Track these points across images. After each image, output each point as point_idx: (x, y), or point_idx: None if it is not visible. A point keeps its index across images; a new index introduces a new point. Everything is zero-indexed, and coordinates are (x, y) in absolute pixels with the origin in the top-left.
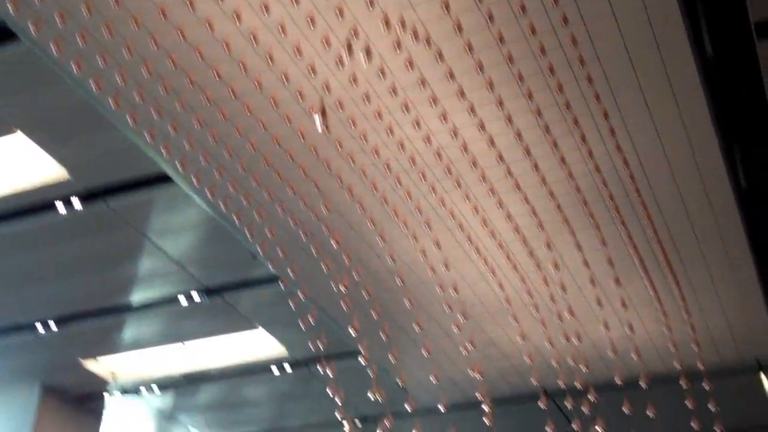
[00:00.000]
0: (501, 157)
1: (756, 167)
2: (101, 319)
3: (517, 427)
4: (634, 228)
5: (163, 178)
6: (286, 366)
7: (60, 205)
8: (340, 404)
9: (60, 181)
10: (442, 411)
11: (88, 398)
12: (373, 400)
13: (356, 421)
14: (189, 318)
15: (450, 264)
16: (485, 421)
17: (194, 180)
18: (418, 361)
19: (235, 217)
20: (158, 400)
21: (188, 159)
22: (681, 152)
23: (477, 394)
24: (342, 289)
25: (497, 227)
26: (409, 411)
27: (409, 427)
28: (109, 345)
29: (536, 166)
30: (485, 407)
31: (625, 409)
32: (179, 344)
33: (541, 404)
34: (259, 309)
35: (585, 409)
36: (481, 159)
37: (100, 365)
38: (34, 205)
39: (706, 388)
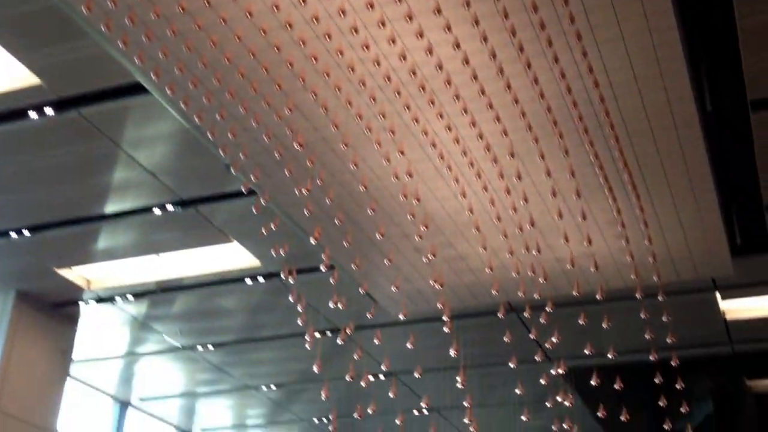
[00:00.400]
0: (475, 76)
1: (722, 92)
2: (75, 228)
3: (479, 338)
4: (601, 148)
5: (137, 88)
6: (259, 278)
7: (32, 113)
8: (301, 312)
9: (32, 88)
10: (406, 321)
11: (63, 306)
12: (332, 307)
13: (328, 332)
14: (163, 229)
15: (420, 179)
16: (446, 330)
17: (168, 91)
18: (382, 270)
19: (209, 129)
20: (133, 308)
21: (162, 69)
22: (650, 74)
23: (438, 305)
24: (314, 205)
25: (469, 145)
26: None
27: (376, 337)
28: (83, 254)
29: (509, 86)
30: (445, 317)
31: (581, 321)
32: (154, 256)
33: (500, 315)
34: (233, 222)
35: (543, 320)
36: (456, 77)
37: (74, 274)
38: (5, 112)
39: (662, 304)
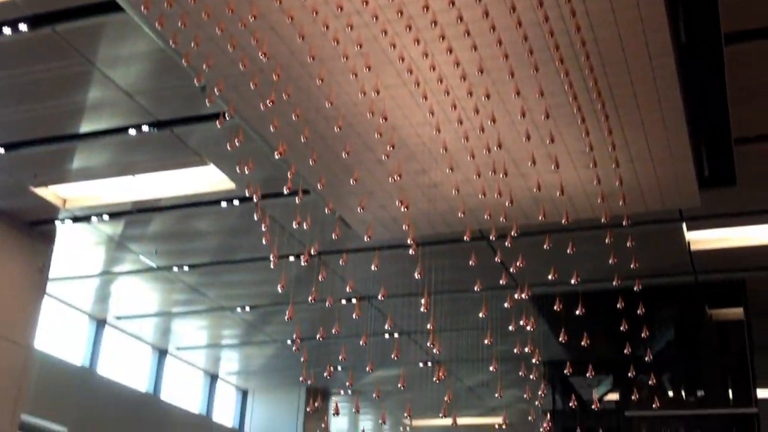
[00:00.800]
0: (453, 2)
1: (697, 23)
2: (50, 146)
3: (450, 264)
4: (576, 77)
5: (112, 6)
6: (235, 201)
7: (6, 29)
8: (265, 231)
9: (7, 3)
10: (381, 246)
11: (39, 224)
12: (296, 227)
13: (302, 256)
14: (138, 150)
15: (396, 105)
16: (412, 254)
17: (144, 9)
18: (349, 190)
19: (184, 50)
20: (108, 228)
21: None
22: (626, 4)
23: (404, 226)
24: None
25: (445, 72)
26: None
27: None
28: (59, 173)
29: (486, 13)
30: (410, 240)
31: (546, 246)
32: (129, 176)
33: (466, 238)
34: (208, 144)
35: (508, 244)
36: (434, 3)
37: (50, 192)
38: None
39: (628, 233)
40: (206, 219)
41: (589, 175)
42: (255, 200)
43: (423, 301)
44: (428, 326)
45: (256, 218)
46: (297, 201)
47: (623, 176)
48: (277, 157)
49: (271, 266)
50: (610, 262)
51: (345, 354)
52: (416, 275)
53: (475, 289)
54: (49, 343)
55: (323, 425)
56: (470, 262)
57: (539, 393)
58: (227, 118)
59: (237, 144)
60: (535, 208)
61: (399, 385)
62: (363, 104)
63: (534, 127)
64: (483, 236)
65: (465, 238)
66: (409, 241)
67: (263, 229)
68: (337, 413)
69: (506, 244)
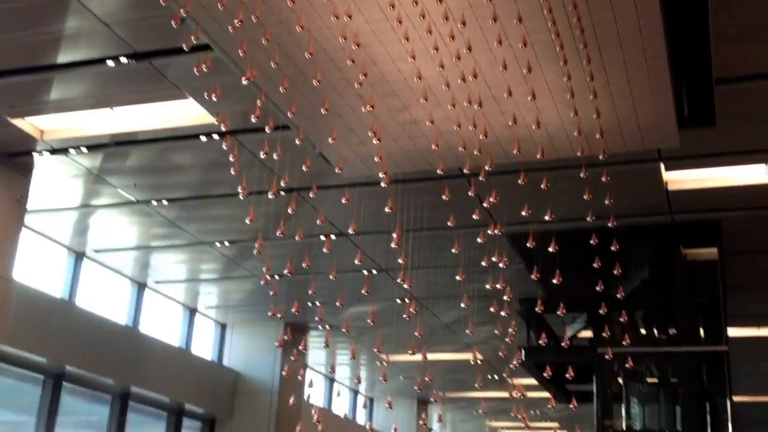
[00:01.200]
0: None
1: None
2: (27, 77)
3: (429, 202)
4: (559, 14)
5: None
6: (214, 135)
7: None
8: (234, 161)
9: None
10: (361, 183)
11: (16, 156)
12: (264, 156)
13: (282, 192)
14: (116, 82)
15: (378, 41)
16: (384, 185)
17: None
18: (322, 119)
19: None
20: (86, 160)
21: None
22: None
23: (376, 159)
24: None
25: (428, 8)
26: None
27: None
28: (36, 104)
29: None
30: (382, 174)
31: (521, 181)
32: (107, 109)
33: (440, 171)
34: (188, 77)
35: (482, 177)
36: None
37: (27, 124)
38: None
39: (606, 172)
40: (185, 153)
41: (568, 113)
42: (223, 128)
43: (394, 236)
44: (399, 260)
45: (224, 147)
46: (267, 130)
47: (603, 115)
48: (244, 82)
49: (240, 197)
50: (585, 197)
51: (315, 289)
52: (387, 209)
53: (448, 224)
54: (28, 275)
55: (293, 359)
56: (443, 197)
57: (509, 330)
58: (194, 41)
59: (204, 69)
60: (512, 144)
61: (369, 321)
62: (336, 28)
63: (513, 57)
64: (462, 174)
65: (438, 171)
66: (381, 174)
67: (231, 159)
68: (305, 348)
69: (480, 178)
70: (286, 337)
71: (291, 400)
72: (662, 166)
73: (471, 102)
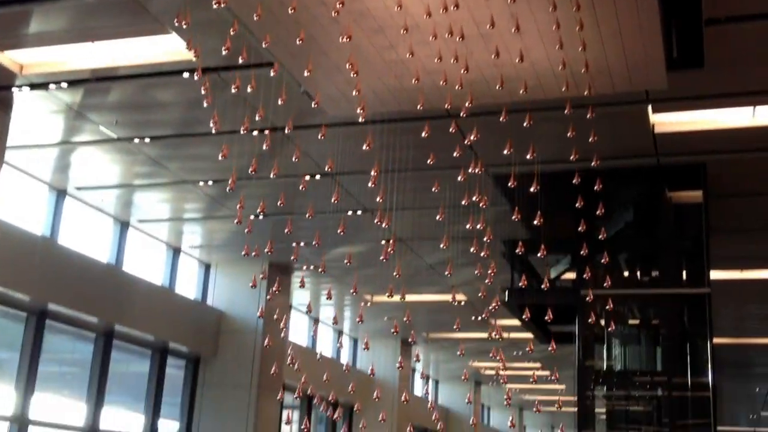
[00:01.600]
0: None
1: None
2: (4, 9)
3: (414, 142)
4: None
5: None
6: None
7: None
8: (205, 93)
9: None
10: (343, 123)
11: None
12: (234, 91)
13: (265, 131)
14: (98, 15)
15: None
16: (361, 120)
17: None
18: (306, 54)
19: None
20: (67, 96)
21: None
22: None
23: (353, 92)
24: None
25: None
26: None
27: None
28: (14, 38)
29: None
30: (359, 110)
31: (502, 119)
32: (88, 43)
33: (419, 106)
34: (170, 11)
35: (463, 114)
36: None
37: (6, 58)
38: None
39: (593, 113)
40: (168, 90)
41: (556, 52)
42: (194, 58)
43: (372, 174)
44: (378, 199)
45: (196, 77)
46: (239, 60)
47: (591, 55)
48: (214, 6)
49: (213, 130)
50: (569, 136)
51: (291, 229)
52: (365, 147)
53: (428, 162)
54: (9, 212)
55: (268, 297)
56: (423, 135)
57: (489, 272)
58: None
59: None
60: (497, 80)
61: (345, 262)
62: None
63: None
64: (448, 114)
65: (419, 106)
66: (358, 111)
67: (203, 92)
68: (279, 288)
69: (461, 114)
70: (261, 276)
71: (266, 341)
72: (650, 108)
73: (452, 34)
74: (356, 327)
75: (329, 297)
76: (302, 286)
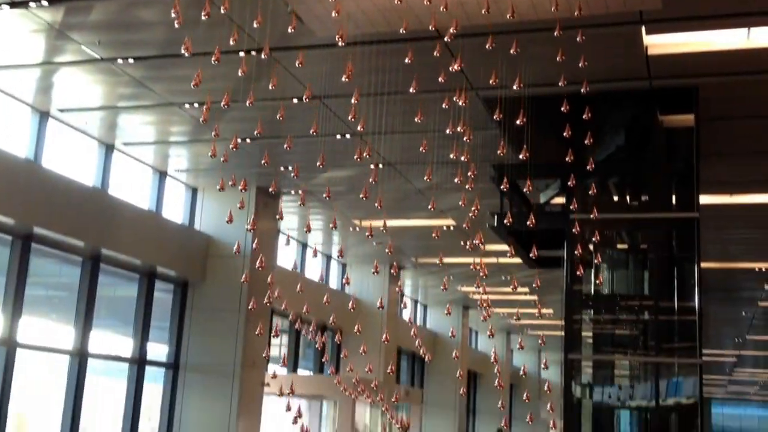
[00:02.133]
0: None
1: None
2: None
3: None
4: None
5: None
6: None
7: None
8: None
9: None
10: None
11: None
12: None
13: (253, 52)
14: None
15: None
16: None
17: None
18: None
19: None
20: (48, 15)
21: None
22: None
23: (333, 13)
24: None
25: None
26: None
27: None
28: None
29: None
30: (339, 40)
31: (489, 46)
32: None
33: (402, 30)
34: None
35: (448, 39)
36: None
37: None
38: None
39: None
40: (152, 8)
41: None
42: None
43: (353, 99)
44: (359, 128)
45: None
46: None
47: None
48: None
49: (186, 54)
50: (558, 59)
51: (268, 158)
52: (344, 78)
53: (411, 91)
54: None
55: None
56: (406, 60)
57: (474, 199)
58: None
59: None
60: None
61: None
62: None
63: None
64: (439, 34)
65: (401, 30)
66: (341, 34)
67: (173, 14)
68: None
69: (450, 32)
70: (238, 206)
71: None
72: (643, 29)
73: None
74: (346, 252)
75: (308, 230)
76: (281, 218)
